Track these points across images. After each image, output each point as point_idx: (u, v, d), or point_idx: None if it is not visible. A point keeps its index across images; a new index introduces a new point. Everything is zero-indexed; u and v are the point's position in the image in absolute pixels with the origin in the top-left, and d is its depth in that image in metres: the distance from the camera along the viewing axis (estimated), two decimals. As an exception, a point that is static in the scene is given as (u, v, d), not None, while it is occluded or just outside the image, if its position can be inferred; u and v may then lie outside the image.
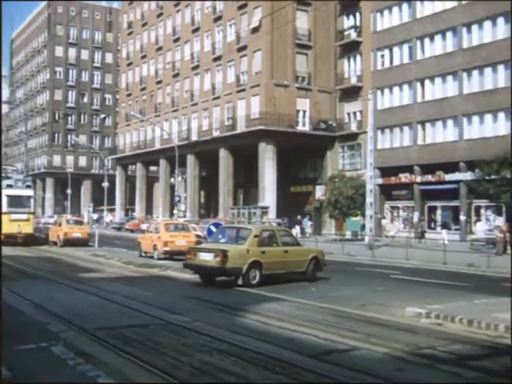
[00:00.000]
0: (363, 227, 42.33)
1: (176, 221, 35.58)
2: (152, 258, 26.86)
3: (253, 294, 15.67)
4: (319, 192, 54.76)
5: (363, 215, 41.00)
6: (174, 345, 9.27)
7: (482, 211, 43.94)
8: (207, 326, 10.78)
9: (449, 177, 45.18)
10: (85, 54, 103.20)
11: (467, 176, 41.69)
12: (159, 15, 72.20)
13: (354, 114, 54.70)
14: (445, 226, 44.88)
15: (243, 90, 56.51)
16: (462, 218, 44.19)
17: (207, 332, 10.23)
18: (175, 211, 46.09)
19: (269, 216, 50.57)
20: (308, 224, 52.90)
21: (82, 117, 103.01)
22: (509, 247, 30.70)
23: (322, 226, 55.77)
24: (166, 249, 26.66)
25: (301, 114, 55.82)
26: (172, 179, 61.33)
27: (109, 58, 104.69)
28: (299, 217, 53.79)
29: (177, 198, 46.30)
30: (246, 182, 62.60)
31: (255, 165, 55.16)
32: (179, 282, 18.73)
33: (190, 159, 63.35)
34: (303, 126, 55.87)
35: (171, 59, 68.75)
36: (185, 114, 65.70)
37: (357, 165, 53.37)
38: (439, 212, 47.70)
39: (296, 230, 46.12)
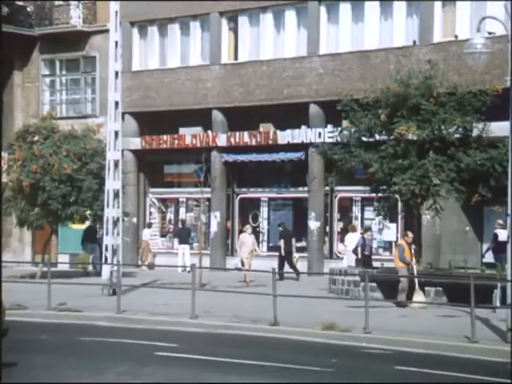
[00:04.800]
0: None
1: None
2: None
3: None
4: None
5: (98, 218, 41.05)
6: None
7: (355, 210, 45.76)
8: None
9: (285, 135, 46.69)
10: None
11: (324, 134, 43.36)
12: None
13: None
14: (182, 239, 46.45)
15: None
16: (314, 225, 45.55)
17: None
18: None
19: None
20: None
21: None
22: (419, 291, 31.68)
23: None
24: None
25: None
26: None
27: None
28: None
29: None
30: None
31: None
32: None
33: None
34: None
35: None
36: None
37: (85, 106, 53.95)
38: (264, 211, 49.04)
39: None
